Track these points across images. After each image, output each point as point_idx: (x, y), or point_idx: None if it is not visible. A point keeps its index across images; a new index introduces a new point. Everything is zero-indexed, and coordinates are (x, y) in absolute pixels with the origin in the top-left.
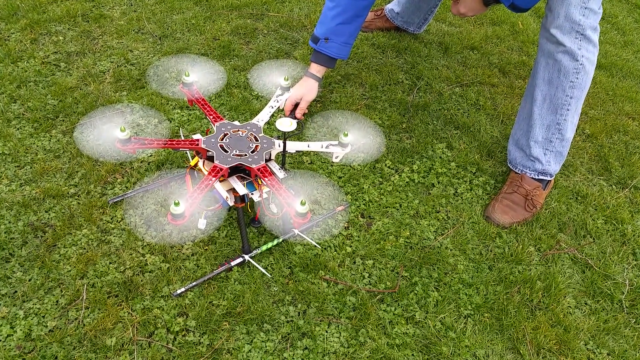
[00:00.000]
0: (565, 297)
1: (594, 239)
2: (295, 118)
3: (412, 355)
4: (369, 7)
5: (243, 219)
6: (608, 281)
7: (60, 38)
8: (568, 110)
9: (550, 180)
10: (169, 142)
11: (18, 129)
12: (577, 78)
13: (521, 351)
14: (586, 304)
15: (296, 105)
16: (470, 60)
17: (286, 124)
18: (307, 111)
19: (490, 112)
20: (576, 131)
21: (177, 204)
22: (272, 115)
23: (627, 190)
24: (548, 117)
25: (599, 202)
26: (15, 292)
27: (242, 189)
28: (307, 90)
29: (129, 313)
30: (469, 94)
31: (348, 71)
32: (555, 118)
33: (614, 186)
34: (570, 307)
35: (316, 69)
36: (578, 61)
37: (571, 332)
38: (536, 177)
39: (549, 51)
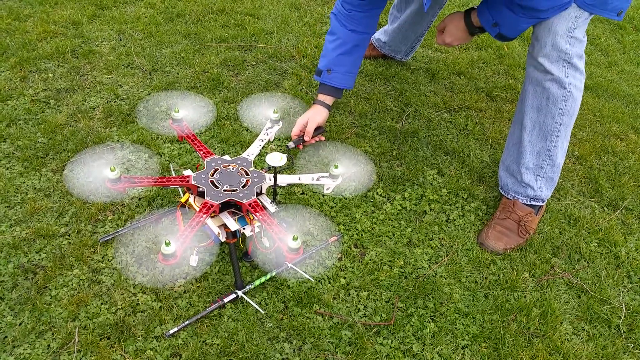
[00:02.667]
0: (562, 323)
1: (588, 262)
2: (302, 143)
3: None
4: (368, 38)
5: (235, 254)
6: (604, 305)
7: (50, 75)
8: (558, 136)
9: (543, 206)
10: (159, 180)
11: (8, 168)
12: (565, 105)
13: None
14: (583, 329)
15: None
16: (457, 86)
17: (276, 159)
18: (316, 139)
19: (479, 136)
20: (566, 154)
21: (168, 244)
22: (263, 148)
23: (618, 212)
24: (538, 143)
25: (592, 224)
26: (6, 337)
27: (233, 225)
28: (314, 113)
29: (122, 355)
30: (458, 119)
31: (337, 100)
32: (546, 145)
33: (605, 208)
34: (567, 333)
35: (323, 97)
36: (566, 89)
37: (570, 359)
38: (528, 203)
39: (537, 79)
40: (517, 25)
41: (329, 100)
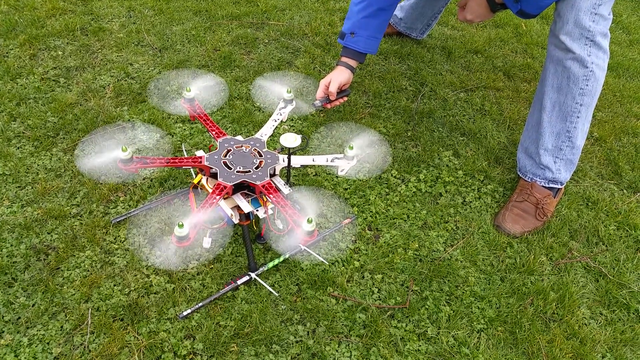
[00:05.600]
0: (579, 307)
1: (606, 246)
2: (328, 101)
3: None
4: (394, 3)
5: (248, 236)
6: (623, 290)
7: (59, 53)
8: (578, 117)
9: (561, 188)
10: (172, 161)
11: (18, 148)
12: (586, 85)
13: None
14: (601, 314)
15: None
16: (474, 65)
17: (291, 140)
18: (342, 101)
19: (497, 117)
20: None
21: (181, 226)
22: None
23: (638, 194)
24: (557, 124)
25: (611, 207)
26: (19, 318)
27: (246, 207)
28: (338, 73)
29: (135, 337)
30: (474, 99)
31: (360, 64)
32: (565, 126)
33: (625, 190)
34: (585, 318)
35: (346, 60)
36: (588, 68)
37: (587, 344)
38: (547, 185)
39: (558, 58)
40: (539, 0)
41: (352, 63)
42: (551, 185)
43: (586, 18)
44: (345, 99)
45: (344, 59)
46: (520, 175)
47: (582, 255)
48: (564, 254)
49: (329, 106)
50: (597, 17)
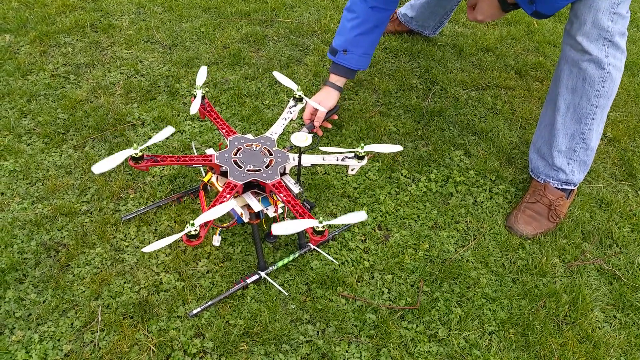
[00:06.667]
0: (592, 310)
1: (620, 248)
2: (312, 128)
3: None
4: (388, 16)
5: (258, 235)
6: (638, 293)
7: (70, 49)
8: (593, 119)
9: (574, 190)
10: (182, 159)
11: (29, 145)
12: (603, 87)
13: None
14: (615, 317)
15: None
16: (485, 63)
17: (301, 139)
18: (329, 125)
19: (508, 116)
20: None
21: (191, 225)
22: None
23: None
24: (572, 126)
25: (625, 209)
26: (30, 314)
27: (257, 206)
28: (325, 97)
29: (145, 335)
30: (486, 98)
31: (360, 77)
32: (580, 127)
33: (639, 192)
34: (598, 321)
35: (335, 79)
36: (604, 69)
37: (601, 348)
38: (560, 187)
39: (573, 59)
40: (555, 1)
41: (341, 82)
42: (564, 186)
43: (605, 18)
44: (335, 117)
45: (333, 78)
46: (533, 176)
47: (596, 258)
48: (577, 256)
49: (318, 132)
50: (616, 17)
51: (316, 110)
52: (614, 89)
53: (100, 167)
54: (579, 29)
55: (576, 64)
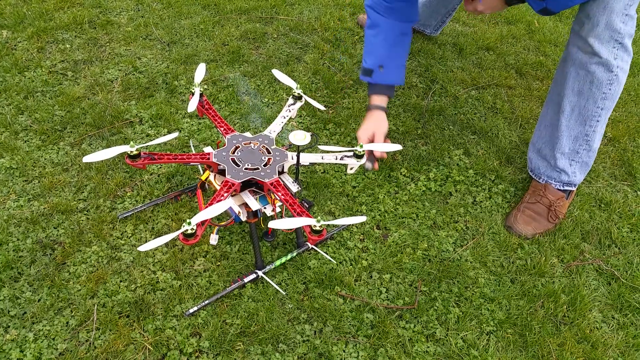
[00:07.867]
0: (591, 311)
1: (619, 248)
2: (376, 161)
3: None
4: (411, 25)
5: (256, 234)
6: (636, 294)
7: (67, 46)
8: (598, 121)
9: (573, 190)
10: (180, 157)
11: (25, 142)
12: (609, 89)
13: None
14: (613, 318)
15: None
16: (485, 62)
17: (300, 138)
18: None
19: (508, 115)
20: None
21: (188, 224)
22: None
23: None
24: (576, 128)
25: (624, 209)
26: (25, 313)
27: (255, 204)
28: (377, 122)
29: (140, 334)
30: (486, 97)
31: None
32: (584, 129)
33: (639, 192)
34: (597, 321)
35: (378, 100)
36: (612, 72)
37: (599, 348)
38: (561, 188)
39: (581, 61)
40: (567, 0)
41: (384, 101)
42: (565, 187)
43: (618, 19)
44: (388, 141)
45: (375, 100)
46: (533, 176)
47: (594, 258)
48: (576, 256)
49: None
50: (628, 18)
51: (372, 140)
52: (620, 91)
53: (91, 158)
54: (590, 31)
55: (584, 66)
